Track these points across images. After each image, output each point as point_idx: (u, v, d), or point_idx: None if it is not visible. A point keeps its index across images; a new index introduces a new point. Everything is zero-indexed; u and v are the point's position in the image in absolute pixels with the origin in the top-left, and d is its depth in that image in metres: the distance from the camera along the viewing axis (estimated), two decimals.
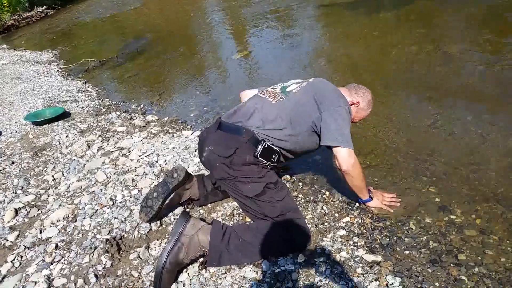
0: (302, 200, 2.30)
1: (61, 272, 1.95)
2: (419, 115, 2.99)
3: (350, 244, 1.91)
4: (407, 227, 1.99)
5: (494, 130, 2.61)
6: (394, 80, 3.71)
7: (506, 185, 2.13)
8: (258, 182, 1.90)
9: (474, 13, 4.78)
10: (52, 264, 2.01)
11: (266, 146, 1.90)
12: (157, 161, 2.90)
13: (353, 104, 2.11)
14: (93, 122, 3.94)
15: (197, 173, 2.46)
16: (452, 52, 3.90)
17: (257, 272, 1.78)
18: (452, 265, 1.71)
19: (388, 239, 1.92)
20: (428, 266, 1.72)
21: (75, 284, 1.85)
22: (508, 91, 3.05)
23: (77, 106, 4.58)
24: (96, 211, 2.40)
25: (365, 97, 2.16)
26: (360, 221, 2.07)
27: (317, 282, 1.69)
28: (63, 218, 2.39)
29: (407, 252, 1.82)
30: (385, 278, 1.67)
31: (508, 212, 1.96)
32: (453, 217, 2.00)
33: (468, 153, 2.45)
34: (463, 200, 2.10)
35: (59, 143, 3.53)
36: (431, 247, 1.83)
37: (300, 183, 2.48)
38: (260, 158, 1.90)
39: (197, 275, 1.80)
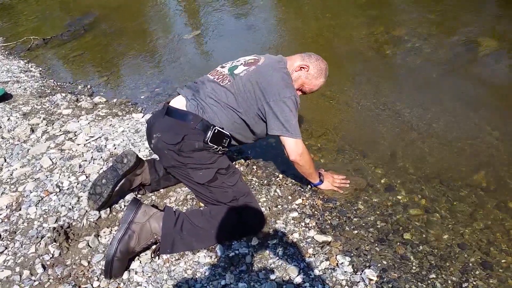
0: (256, 184, 2.31)
1: (5, 264, 1.85)
2: (368, 97, 3.08)
3: (302, 225, 1.95)
4: (355, 208, 2.06)
5: (440, 113, 2.73)
6: (344, 63, 3.79)
7: (449, 166, 2.26)
8: (209, 168, 1.88)
9: None
10: None
11: (215, 131, 1.86)
12: (105, 146, 2.79)
13: (303, 68, 2.04)
14: (36, 105, 3.72)
15: (149, 158, 2.40)
16: (399, 35, 4.02)
17: (211, 257, 1.79)
18: (398, 243, 1.80)
19: (338, 220, 1.98)
20: (376, 245, 1.80)
21: (20, 275, 1.76)
22: (453, 71, 3.21)
23: (19, 87, 4.29)
24: (41, 198, 2.29)
25: (317, 64, 2.08)
26: (311, 202, 2.12)
27: (271, 264, 1.72)
28: (6, 207, 2.26)
29: (356, 231, 1.90)
30: (335, 257, 1.73)
31: (450, 191, 2.09)
32: (399, 197, 2.10)
33: (413, 135, 2.57)
34: (408, 180, 2.20)
35: (0, 127, 3.30)
36: (378, 226, 1.92)
37: (255, 167, 2.49)
38: (210, 144, 1.86)
39: (150, 262, 1.77)
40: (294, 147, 1.92)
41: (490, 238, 1.78)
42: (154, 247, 1.82)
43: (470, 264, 1.66)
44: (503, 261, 1.66)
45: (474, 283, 1.57)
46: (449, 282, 1.58)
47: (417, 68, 3.40)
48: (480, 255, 1.70)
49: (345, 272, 1.65)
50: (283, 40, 4.59)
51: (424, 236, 1.83)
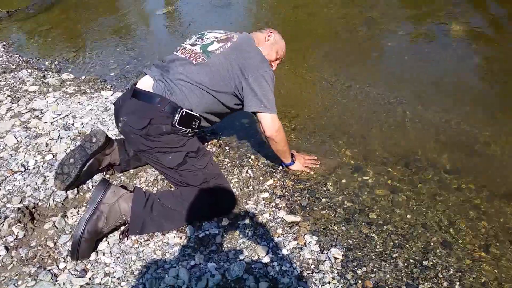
0: (229, 164, 2.32)
1: None
2: (341, 80, 3.10)
3: (272, 206, 1.98)
4: (324, 188, 2.10)
5: (409, 96, 2.79)
6: (319, 44, 3.79)
7: (415, 149, 2.32)
8: (178, 152, 1.85)
9: None
10: None
11: (183, 114, 1.80)
12: (73, 124, 2.72)
13: (269, 36, 2.13)
14: (0, 80, 3.57)
15: (118, 137, 2.36)
16: (373, 16, 4.05)
17: (181, 238, 1.79)
18: (363, 223, 1.85)
19: (307, 200, 2.02)
20: (342, 224, 1.85)
21: None
22: (424, 54, 3.26)
23: None
24: (5, 178, 2.22)
25: (273, 30, 2.20)
26: (282, 183, 2.14)
27: (240, 244, 1.74)
28: None
29: (324, 211, 1.94)
30: (303, 237, 1.77)
31: (416, 173, 2.15)
32: (366, 177, 2.15)
33: (383, 118, 2.61)
34: (376, 162, 2.25)
35: None
36: (345, 206, 1.96)
37: (227, 147, 2.49)
38: (179, 127, 1.81)
39: (118, 243, 1.76)
40: (270, 123, 1.91)
41: (450, 219, 1.85)
42: (122, 228, 1.80)
43: (431, 244, 1.72)
44: (460, 241, 1.73)
45: (434, 261, 1.63)
46: (411, 261, 1.64)
47: (389, 50, 3.45)
48: (441, 234, 1.77)
49: (312, 251, 1.70)
50: (257, 19, 4.54)
51: (388, 216, 1.89)
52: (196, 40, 2.03)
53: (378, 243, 1.74)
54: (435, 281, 1.55)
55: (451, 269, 1.60)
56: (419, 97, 2.76)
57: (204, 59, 1.89)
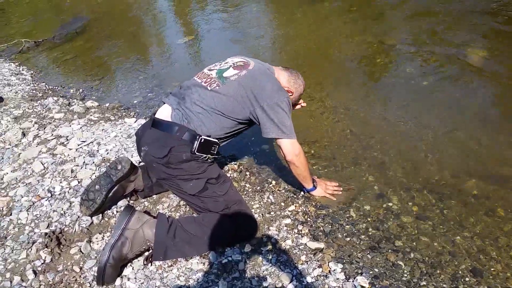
0: (250, 190, 2.32)
1: None
2: (359, 105, 3.10)
3: (295, 232, 1.96)
4: (348, 215, 2.08)
5: (431, 121, 2.76)
6: (336, 70, 3.82)
7: (440, 175, 2.28)
8: (199, 178, 1.88)
9: (414, 5, 5.00)
10: None
11: (202, 141, 1.84)
12: (97, 151, 2.78)
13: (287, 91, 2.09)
14: (28, 108, 3.69)
15: (142, 164, 2.39)
16: (391, 44, 4.08)
17: (204, 264, 1.79)
18: (390, 251, 1.82)
19: (330, 226, 2.00)
20: (368, 252, 1.82)
21: (11, 281, 1.75)
22: (444, 80, 3.25)
23: (10, 90, 4.25)
24: (33, 203, 2.27)
25: (299, 89, 2.17)
26: (304, 209, 2.13)
27: (263, 271, 1.73)
28: None
29: (348, 239, 1.91)
30: (328, 264, 1.74)
31: (441, 199, 2.10)
32: (390, 204, 2.12)
33: (404, 143, 2.59)
34: (399, 188, 2.22)
35: None
36: (370, 233, 1.93)
37: (248, 173, 2.50)
38: (198, 154, 1.85)
39: (142, 269, 1.77)
40: (290, 148, 1.93)
41: (480, 245, 1.80)
42: (147, 254, 1.81)
43: (460, 272, 1.68)
44: (492, 269, 1.68)
45: None
46: None
47: (408, 76, 3.45)
48: (470, 262, 1.72)
49: (337, 279, 1.67)
50: (276, 47, 4.62)
51: (415, 243, 1.85)
52: (215, 65, 2.08)
53: (405, 271, 1.70)
54: None
55: None
56: (441, 121, 2.74)
57: (219, 85, 1.93)
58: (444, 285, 1.62)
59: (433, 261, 1.74)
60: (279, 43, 4.69)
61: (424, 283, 1.63)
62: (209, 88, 1.93)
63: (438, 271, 1.69)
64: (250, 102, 1.90)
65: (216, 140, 1.91)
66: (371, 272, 1.70)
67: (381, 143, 2.63)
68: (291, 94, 2.09)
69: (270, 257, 1.80)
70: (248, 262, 1.78)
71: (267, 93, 1.91)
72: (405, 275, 1.68)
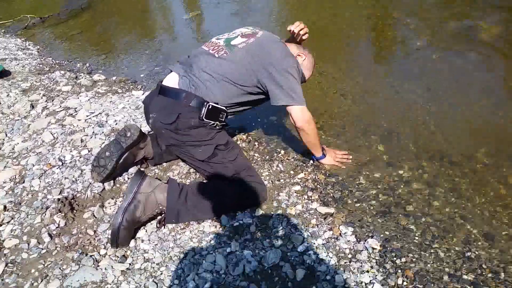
0: (259, 159, 2.32)
1: (12, 233, 1.86)
2: (370, 77, 3.08)
3: (304, 198, 1.97)
4: (357, 182, 2.08)
5: (440, 92, 2.74)
6: (345, 43, 3.78)
7: (450, 144, 2.27)
8: (208, 144, 1.89)
9: None
10: (1, 226, 1.91)
11: (210, 107, 1.84)
12: (106, 121, 2.78)
13: (299, 55, 2.06)
14: (36, 81, 3.69)
15: (151, 132, 2.40)
16: (401, 17, 4.01)
17: (215, 226, 1.80)
18: (400, 215, 1.82)
19: (340, 193, 2.00)
20: (378, 216, 1.82)
21: (28, 244, 1.78)
22: (453, 53, 3.21)
23: (17, 64, 4.25)
24: (44, 171, 2.29)
25: (310, 56, 2.14)
26: (314, 177, 2.13)
27: (274, 233, 1.74)
28: (10, 180, 2.25)
29: (358, 204, 1.92)
30: (338, 228, 1.75)
31: (452, 168, 2.09)
32: (400, 172, 2.11)
33: (415, 113, 2.57)
34: (410, 157, 2.21)
35: (0, 103, 3.28)
36: (380, 199, 1.94)
37: (256, 143, 2.50)
38: (206, 120, 1.85)
39: (156, 231, 1.79)
40: (300, 115, 1.92)
41: (492, 211, 1.80)
42: (159, 217, 1.83)
43: (473, 236, 1.68)
44: (504, 232, 1.68)
45: (477, 252, 1.59)
46: (452, 251, 1.60)
47: (417, 49, 3.40)
48: (482, 227, 1.72)
49: (348, 241, 1.68)
50: (284, 22, 4.56)
51: (426, 208, 1.85)
52: (223, 35, 2.06)
53: (416, 234, 1.71)
54: (479, 272, 1.50)
55: (495, 261, 1.55)
56: (450, 94, 2.71)
57: (227, 52, 1.92)
58: (456, 248, 1.62)
59: (445, 225, 1.75)
60: (286, 18, 4.62)
61: (436, 245, 1.64)
62: (216, 56, 1.92)
63: (450, 235, 1.69)
64: (257, 69, 1.89)
65: (224, 108, 1.91)
66: (382, 235, 1.71)
67: (390, 115, 2.61)
68: (303, 58, 2.07)
69: (280, 221, 1.81)
70: (259, 225, 1.80)
71: (275, 59, 1.89)
72: (416, 237, 1.69)
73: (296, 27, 2.07)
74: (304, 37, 2.11)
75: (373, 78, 3.06)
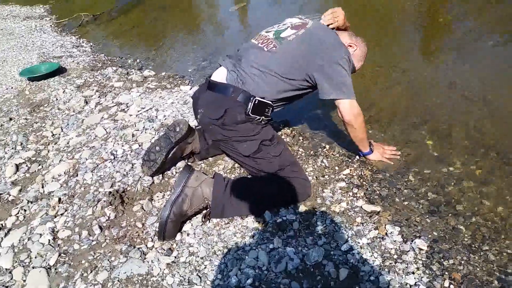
0: (303, 154, 2.31)
1: (65, 225, 1.98)
2: (420, 68, 2.95)
3: (349, 195, 1.94)
4: (406, 179, 2.01)
5: (497, 84, 2.58)
6: (396, 31, 3.64)
7: (505, 138, 2.14)
8: (253, 140, 1.90)
9: None
10: (55, 217, 2.04)
11: (256, 102, 1.85)
12: (156, 116, 2.88)
13: (350, 46, 2.01)
14: (89, 78, 3.89)
15: (198, 127, 2.45)
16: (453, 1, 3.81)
17: (259, 222, 1.82)
18: (450, 215, 1.74)
19: (387, 190, 1.95)
20: (427, 216, 1.76)
21: (79, 235, 1.88)
22: (510, 41, 3.00)
23: (73, 61, 4.49)
24: (97, 165, 2.41)
25: (363, 46, 2.08)
26: (359, 173, 2.09)
27: (318, 231, 1.73)
28: (64, 173, 2.40)
29: (406, 203, 1.86)
30: (384, 227, 1.71)
31: (507, 164, 1.98)
32: (451, 168, 2.02)
33: (468, 106, 2.44)
34: (462, 152, 2.11)
35: (56, 99, 3.49)
36: (429, 198, 1.87)
37: (301, 137, 2.48)
38: (253, 115, 1.86)
39: (201, 226, 1.84)
40: (349, 109, 1.88)
41: None
42: (205, 211, 1.88)
43: None
44: None
45: None
46: (504, 254, 1.52)
47: (472, 35, 3.21)
48: None
49: (395, 241, 1.63)
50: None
51: (477, 208, 1.76)
52: (273, 27, 2.05)
53: (466, 235, 1.63)
54: None
55: None
56: (507, 86, 2.54)
57: (276, 45, 1.90)
58: (508, 251, 1.53)
59: (497, 225, 1.66)
60: (337, 5, 4.52)
61: (486, 247, 1.56)
62: (265, 49, 1.92)
63: (502, 236, 1.60)
64: (306, 62, 1.86)
65: (270, 102, 1.91)
66: (429, 236, 1.65)
67: (441, 107, 2.49)
68: (355, 48, 2.02)
69: (324, 218, 1.80)
70: (302, 222, 1.79)
71: (325, 51, 1.86)
72: (466, 239, 1.61)
73: (327, 20, 2.02)
74: (342, 28, 2.05)
75: (425, 68, 2.93)
